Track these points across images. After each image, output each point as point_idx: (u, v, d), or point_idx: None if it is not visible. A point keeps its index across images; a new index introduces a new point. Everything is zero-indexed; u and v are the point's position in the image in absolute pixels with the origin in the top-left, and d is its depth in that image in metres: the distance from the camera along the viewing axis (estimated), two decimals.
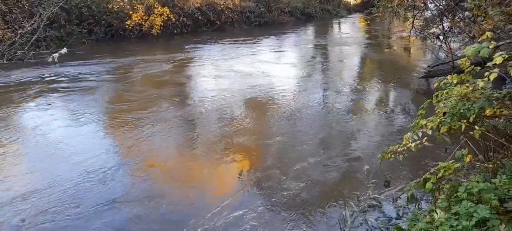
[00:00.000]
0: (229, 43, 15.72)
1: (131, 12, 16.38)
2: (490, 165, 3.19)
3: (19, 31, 12.04)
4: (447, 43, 9.54)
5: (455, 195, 2.67)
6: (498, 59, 2.78)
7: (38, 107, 7.63)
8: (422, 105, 3.59)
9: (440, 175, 3.02)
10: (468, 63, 3.35)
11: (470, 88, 3.16)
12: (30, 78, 9.87)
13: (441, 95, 3.37)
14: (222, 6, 19.62)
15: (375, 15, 15.72)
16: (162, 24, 16.99)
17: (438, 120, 3.22)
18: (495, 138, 3.41)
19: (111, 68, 11.24)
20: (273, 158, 5.31)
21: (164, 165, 5.26)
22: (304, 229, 3.77)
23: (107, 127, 6.68)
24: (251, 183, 4.65)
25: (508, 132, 3.45)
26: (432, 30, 11.11)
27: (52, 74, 10.25)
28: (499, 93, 3.24)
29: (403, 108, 7.69)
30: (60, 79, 9.85)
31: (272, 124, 6.65)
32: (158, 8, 16.95)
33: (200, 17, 18.75)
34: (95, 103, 7.99)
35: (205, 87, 9.33)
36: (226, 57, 12.88)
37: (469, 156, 3.11)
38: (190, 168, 5.20)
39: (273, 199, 4.27)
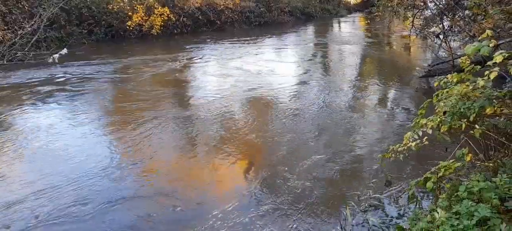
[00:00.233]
0: (230, 43, 15.72)
1: (131, 13, 16.38)
2: (491, 164, 3.19)
3: (19, 32, 12.03)
4: (447, 42, 9.54)
5: (455, 194, 2.67)
6: (498, 58, 2.78)
7: (39, 107, 7.62)
8: (422, 105, 3.59)
9: (440, 174, 3.02)
10: (468, 62, 3.35)
11: (470, 87, 3.16)
12: (31, 78, 9.86)
13: (441, 95, 3.38)
14: (222, 6, 19.61)
15: (375, 14, 15.73)
16: (162, 24, 16.99)
17: (439, 119, 3.23)
18: (496, 137, 3.41)
19: (112, 68, 11.24)
20: (275, 157, 5.31)
21: (169, 164, 5.28)
22: (305, 228, 3.77)
23: (112, 126, 6.67)
24: (255, 182, 4.67)
25: (509, 130, 3.45)
26: (432, 29, 11.12)
27: (52, 75, 10.24)
28: (499, 92, 3.24)
29: (404, 107, 7.68)
30: (61, 79, 9.84)
31: (275, 123, 6.66)
32: (158, 8, 16.94)
33: (200, 17, 18.75)
34: (98, 103, 7.99)
35: (209, 86, 9.34)
36: (229, 57, 12.89)
37: (470, 155, 3.11)
38: (196, 166, 5.23)
39: (273, 198, 4.28)
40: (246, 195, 4.37)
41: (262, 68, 11.15)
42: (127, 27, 16.21)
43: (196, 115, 7.14)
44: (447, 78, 3.46)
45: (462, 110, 3.08)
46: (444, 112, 3.24)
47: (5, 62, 11.11)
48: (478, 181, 2.63)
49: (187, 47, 14.76)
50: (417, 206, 3.85)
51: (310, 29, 21.72)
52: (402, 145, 3.52)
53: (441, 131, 3.24)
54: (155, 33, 16.79)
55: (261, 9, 21.62)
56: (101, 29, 16.05)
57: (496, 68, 2.89)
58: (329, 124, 6.65)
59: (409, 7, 12.12)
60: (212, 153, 5.55)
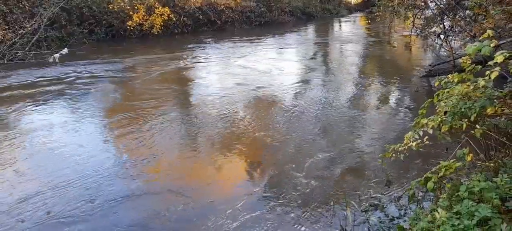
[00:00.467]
0: (231, 43, 15.74)
1: (131, 12, 16.39)
2: (491, 164, 3.19)
3: (20, 32, 12.02)
4: (448, 42, 9.53)
5: (456, 194, 2.66)
6: (499, 58, 2.78)
7: (40, 107, 7.62)
8: (423, 105, 3.58)
9: (441, 174, 3.01)
10: (469, 62, 3.35)
11: (471, 87, 3.15)
12: (32, 78, 9.87)
13: (442, 94, 3.37)
14: (222, 6, 19.62)
15: (375, 14, 15.72)
16: (162, 24, 17.00)
17: (439, 119, 3.22)
18: (496, 136, 3.41)
19: (113, 68, 11.24)
20: (279, 156, 5.34)
21: (176, 161, 5.32)
22: (306, 228, 3.77)
23: (114, 124, 6.67)
24: (259, 180, 4.71)
25: (509, 130, 3.45)
26: (433, 29, 11.11)
27: (53, 75, 10.25)
28: (500, 92, 3.23)
29: (404, 107, 7.68)
30: (61, 79, 9.85)
31: (279, 122, 6.67)
32: (158, 8, 16.95)
33: (200, 17, 18.76)
34: (99, 102, 8.00)
35: (213, 85, 9.37)
36: (232, 56, 12.92)
37: (470, 155, 3.10)
38: (203, 164, 5.26)
39: (275, 197, 4.28)
40: (248, 194, 4.37)
41: (265, 67, 11.17)
42: (128, 26, 16.22)
43: (201, 113, 7.17)
44: (448, 78, 3.46)
45: (463, 110, 3.08)
46: (445, 112, 3.24)
47: (5, 61, 11.11)
48: (479, 181, 2.63)
49: (189, 46, 14.77)
50: (418, 205, 3.85)
51: (311, 29, 21.72)
52: (402, 144, 3.52)
53: (442, 130, 3.23)
54: (156, 33, 16.80)
55: (262, 9, 21.62)
56: (101, 29, 16.07)
57: (497, 68, 2.88)
58: (330, 123, 6.64)
59: (410, 7, 12.11)
60: (219, 151, 5.60)
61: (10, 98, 8.28)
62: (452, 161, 3.04)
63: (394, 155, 3.61)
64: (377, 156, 5.04)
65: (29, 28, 12.29)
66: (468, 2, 7.25)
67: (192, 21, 18.52)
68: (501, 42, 6.36)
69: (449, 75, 3.46)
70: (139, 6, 16.62)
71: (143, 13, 16.57)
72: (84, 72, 10.60)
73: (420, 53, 14.08)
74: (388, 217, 3.87)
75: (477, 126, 3.16)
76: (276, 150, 5.56)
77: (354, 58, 13.16)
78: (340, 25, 24.02)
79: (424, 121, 3.36)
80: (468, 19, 9.10)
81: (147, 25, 16.67)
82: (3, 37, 11.68)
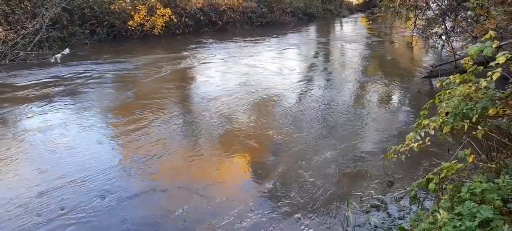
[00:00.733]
0: (233, 43, 15.75)
1: (133, 13, 16.41)
2: (493, 165, 3.18)
3: (21, 32, 12.06)
4: (449, 43, 9.52)
5: (458, 195, 2.66)
6: (501, 59, 2.77)
7: (41, 107, 7.62)
8: (424, 106, 3.58)
9: (443, 175, 3.01)
10: (471, 62, 3.35)
11: (473, 88, 3.15)
12: (33, 78, 9.89)
13: (444, 95, 3.37)
14: (224, 7, 19.63)
15: (377, 15, 15.75)
16: (164, 24, 17.03)
17: (441, 120, 3.22)
18: (498, 138, 3.40)
19: (115, 68, 11.26)
20: (281, 157, 5.34)
21: (179, 162, 5.32)
22: (306, 228, 3.77)
23: (117, 124, 6.68)
24: (258, 181, 4.70)
25: (511, 131, 3.44)
26: (434, 30, 11.10)
27: (55, 75, 10.27)
28: (502, 93, 3.23)
29: (406, 108, 7.68)
30: (63, 79, 9.86)
31: (282, 122, 6.67)
32: (160, 8, 16.97)
33: (202, 18, 18.76)
34: (101, 102, 8.00)
35: (219, 85, 9.35)
36: (235, 57, 12.92)
37: (472, 156, 3.10)
38: (208, 163, 5.27)
39: (275, 198, 4.28)
40: (249, 195, 4.37)
41: (268, 67, 11.19)
42: (129, 26, 16.24)
43: (207, 113, 7.17)
44: (449, 79, 3.46)
45: (464, 111, 3.07)
46: (447, 113, 3.24)
47: (7, 62, 11.14)
48: (481, 182, 2.62)
49: (190, 47, 14.77)
50: (419, 207, 3.85)
51: (312, 30, 21.72)
52: (404, 145, 3.52)
53: (444, 131, 3.23)
54: (157, 34, 16.82)
55: (263, 9, 21.62)
56: (103, 29, 16.08)
57: (499, 69, 2.88)
58: (331, 123, 6.64)
59: (411, 8, 12.11)
60: (224, 150, 5.62)
61: (11, 98, 8.29)
62: (453, 162, 3.04)
63: (395, 155, 3.61)
64: (379, 156, 5.04)
65: (31, 29, 12.32)
66: (470, 3, 7.23)
67: (194, 22, 18.53)
68: (503, 43, 6.34)
69: (451, 76, 3.46)
70: (140, 6, 16.64)
71: (144, 14, 16.60)
72: (85, 72, 10.62)
73: (422, 54, 14.08)
74: (389, 218, 3.87)
75: (479, 127, 3.15)
76: (280, 150, 5.56)
77: (355, 59, 13.15)
78: (341, 26, 24.01)
79: (426, 121, 3.35)
80: (469, 20, 9.08)
81: (148, 26, 16.69)
82: (5, 38, 11.71)
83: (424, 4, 11.42)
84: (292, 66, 11.70)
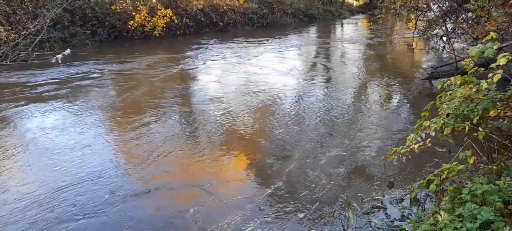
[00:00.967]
0: (234, 44, 15.74)
1: (134, 13, 16.43)
2: (494, 167, 3.18)
3: (23, 33, 12.10)
4: (450, 44, 9.53)
5: (459, 196, 2.66)
6: (502, 61, 2.78)
7: (42, 107, 7.64)
8: (425, 107, 3.58)
9: (443, 176, 3.01)
10: (471, 64, 3.35)
11: (474, 90, 3.15)
12: (34, 78, 9.90)
13: (445, 97, 3.37)
14: (224, 8, 19.65)
15: (378, 16, 15.75)
16: (165, 25, 17.05)
17: (442, 121, 3.22)
18: (499, 139, 3.40)
19: (116, 69, 11.26)
20: (282, 157, 5.34)
21: (184, 161, 5.34)
22: (307, 229, 3.77)
23: (118, 125, 6.69)
24: (258, 182, 4.70)
25: None
26: (435, 31, 11.11)
27: (55, 75, 10.28)
28: (503, 94, 3.23)
29: (407, 109, 7.67)
30: (64, 80, 9.87)
31: (283, 123, 6.68)
32: (161, 9, 17.00)
33: (202, 19, 18.78)
34: (102, 103, 7.99)
35: (220, 85, 9.37)
36: (235, 57, 12.91)
37: (473, 157, 3.10)
38: (210, 163, 5.28)
39: (275, 199, 4.28)
40: (249, 198, 4.37)
41: (269, 68, 11.20)
42: (130, 26, 16.27)
43: (210, 113, 7.18)
44: (450, 80, 3.46)
45: (465, 112, 3.07)
46: (448, 115, 3.24)
47: (8, 62, 11.17)
48: (482, 183, 2.62)
49: (192, 48, 14.79)
50: (420, 208, 3.84)
51: (313, 31, 21.72)
52: (405, 147, 3.52)
53: (444, 133, 3.23)
54: (157, 35, 16.84)
55: (264, 10, 21.63)
56: (104, 30, 16.10)
57: (500, 71, 2.88)
58: (332, 124, 6.64)
59: (412, 9, 12.13)
60: (226, 150, 5.63)
61: (12, 98, 8.30)
62: (454, 163, 3.04)
63: (396, 157, 3.61)
64: (379, 158, 5.03)
65: (32, 29, 12.36)
66: (471, 4, 7.23)
67: (194, 23, 18.55)
68: (504, 44, 6.35)
69: (452, 78, 3.46)
70: (141, 6, 16.66)
71: (145, 14, 16.62)
72: (87, 73, 10.62)
73: (423, 55, 14.07)
74: (390, 219, 3.86)
75: (479, 128, 3.15)
76: (281, 151, 5.56)
77: (356, 60, 13.15)
78: (342, 27, 24.01)
79: (427, 123, 3.36)
80: (470, 22, 9.09)
81: (149, 27, 16.72)
82: (6, 38, 11.73)
83: (425, 6, 11.43)
84: (294, 67, 11.69)
